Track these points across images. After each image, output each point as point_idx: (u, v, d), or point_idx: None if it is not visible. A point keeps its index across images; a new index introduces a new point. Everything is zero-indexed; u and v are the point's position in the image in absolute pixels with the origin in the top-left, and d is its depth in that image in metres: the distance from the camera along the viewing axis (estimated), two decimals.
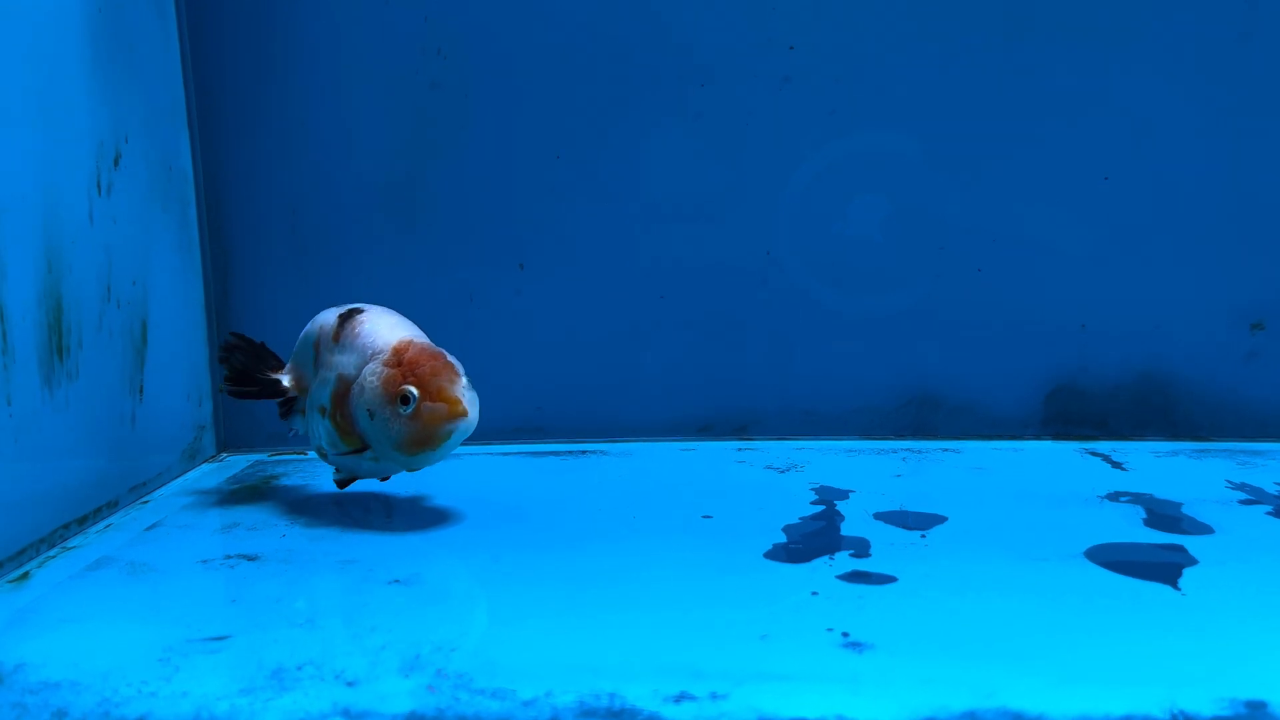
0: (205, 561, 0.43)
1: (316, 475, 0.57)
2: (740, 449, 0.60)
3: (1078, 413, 0.59)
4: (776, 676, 0.32)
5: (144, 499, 0.53)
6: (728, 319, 0.62)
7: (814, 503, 0.49)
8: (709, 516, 0.48)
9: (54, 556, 0.44)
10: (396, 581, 0.41)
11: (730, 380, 0.63)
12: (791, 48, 0.60)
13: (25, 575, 0.42)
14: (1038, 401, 0.60)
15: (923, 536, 0.44)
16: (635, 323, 0.63)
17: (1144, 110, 0.57)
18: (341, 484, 0.50)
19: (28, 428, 0.43)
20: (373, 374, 0.45)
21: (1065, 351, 0.59)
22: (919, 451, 0.58)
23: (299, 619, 0.37)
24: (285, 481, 0.56)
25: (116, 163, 0.51)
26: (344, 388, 0.46)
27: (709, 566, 0.41)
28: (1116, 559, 0.41)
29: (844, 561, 0.41)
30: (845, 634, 0.34)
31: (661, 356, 0.63)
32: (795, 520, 0.47)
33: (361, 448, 0.47)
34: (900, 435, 0.61)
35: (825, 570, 0.40)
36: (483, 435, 0.63)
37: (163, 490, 0.54)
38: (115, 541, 0.46)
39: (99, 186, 0.49)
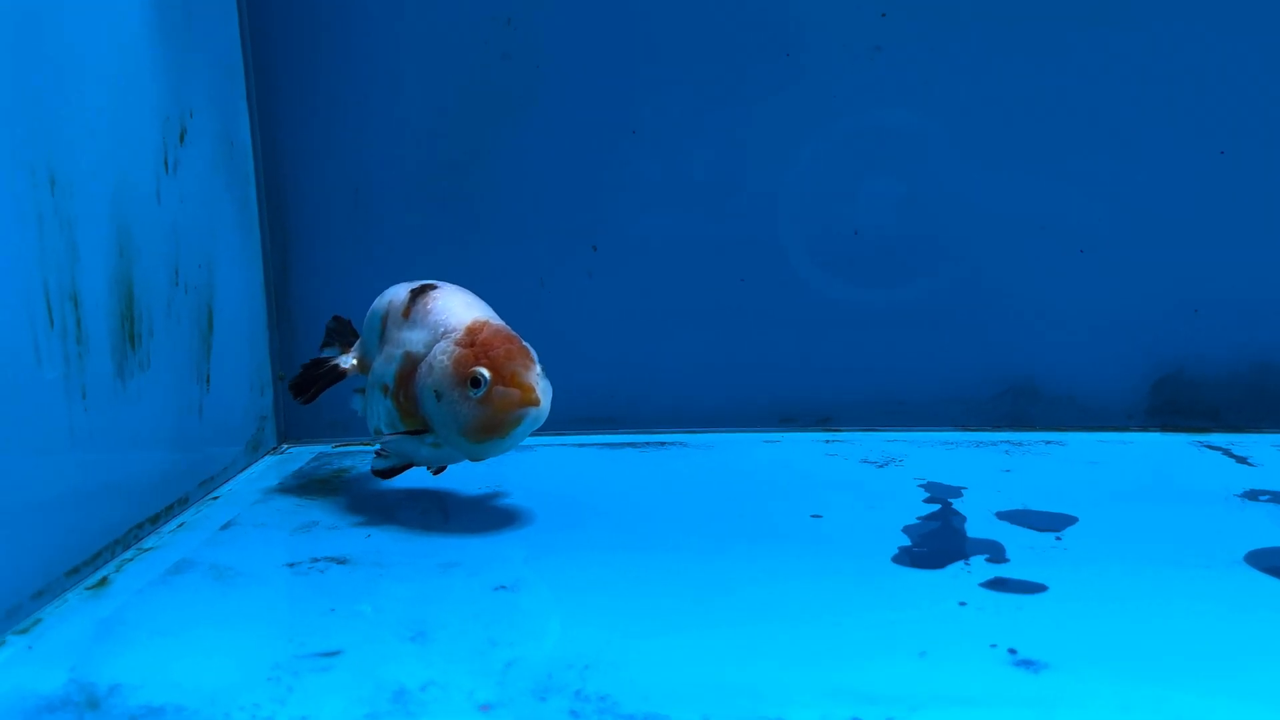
0: (292, 565, 0.41)
1: None
2: (828, 441, 0.57)
3: (1188, 403, 0.56)
4: (953, 700, 0.29)
5: (213, 494, 0.50)
6: (810, 303, 0.59)
7: (926, 500, 0.46)
8: (818, 516, 0.45)
9: (131, 559, 0.41)
10: (503, 588, 0.38)
11: (813, 368, 0.60)
12: (884, 15, 0.56)
13: (103, 581, 0.39)
14: (1143, 391, 0.57)
15: (1058, 539, 0.41)
16: (713, 307, 0.60)
17: (1264, 80, 0.54)
18: (385, 473, 0.47)
19: (102, 422, 0.40)
20: (443, 353, 0.42)
21: (1174, 338, 0.56)
22: (1020, 444, 0.55)
23: (408, 631, 0.34)
24: (355, 475, 0.53)
25: (182, 139, 0.48)
26: (410, 366, 0.44)
27: (837, 572, 0.39)
28: None
29: (981, 567, 0.38)
30: (1012, 650, 0.32)
31: (740, 343, 0.60)
32: (913, 520, 0.44)
33: (422, 430, 0.44)
34: (996, 427, 0.58)
35: (964, 577, 0.38)
36: (552, 424, 0.60)
37: (231, 485, 0.52)
38: (191, 541, 0.44)
39: (166, 164, 0.46)
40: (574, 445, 0.58)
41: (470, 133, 0.59)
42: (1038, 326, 0.58)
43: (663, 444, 0.58)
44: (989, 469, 0.51)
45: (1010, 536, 0.42)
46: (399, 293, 0.47)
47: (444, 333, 0.43)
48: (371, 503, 0.48)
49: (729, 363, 0.60)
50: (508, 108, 0.59)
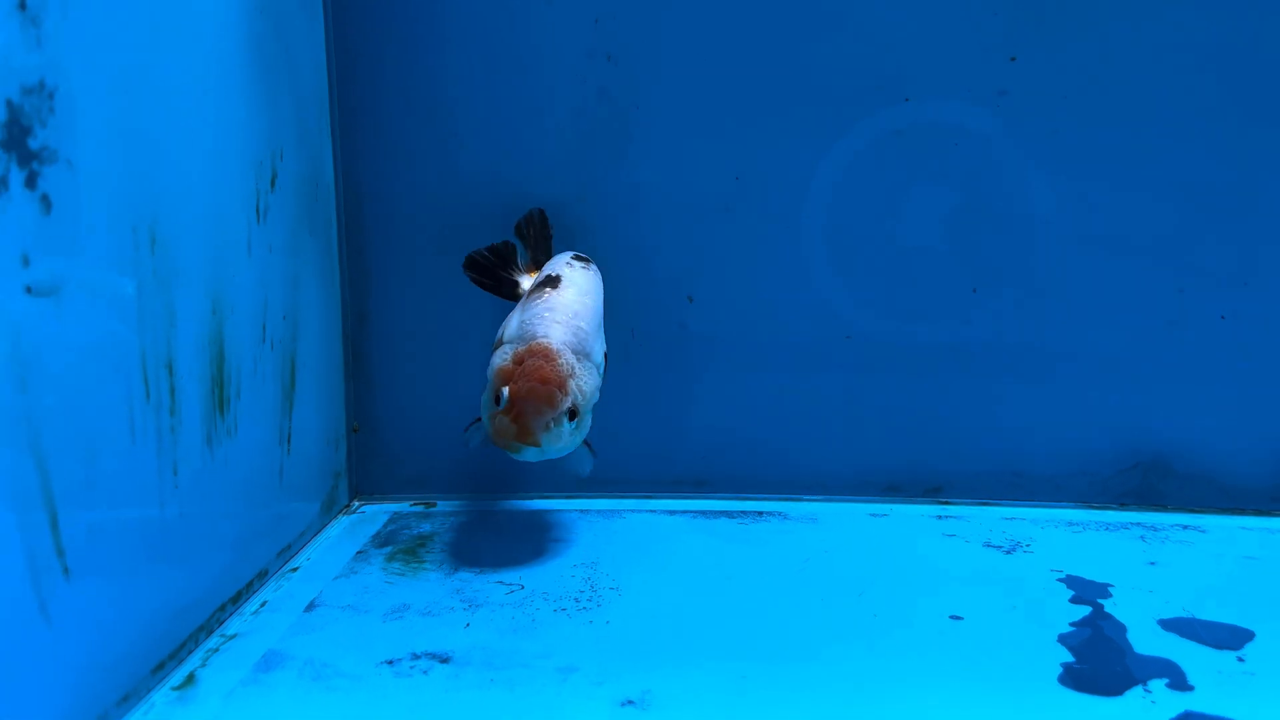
0: (392, 663, 0.37)
1: (470, 532, 0.51)
2: (940, 516, 0.53)
3: None
4: None
5: (291, 565, 0.46)
6: (921, 362, 0.55)
7: (1073, 600, 0.43)
8: (959, 618, 0.41)
9: (216, 650, 0.38)
10: (630, 703, 0.34)
11: (921, 432, 0.56)
12: (1013, 59, 0.53)
13: (190, 679, 0.36)
14: None
15: (1241, 660, 0.37)
16: (814, 364, 0.56)
17: None
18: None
19: (190, 497, 0.37)
20: (503, 356, 0.44)
21: None
22: (1154, 529, 0.51)
23: None
24: (440, 544, 0.49)
25: (273, 184, 0.44)
26: (497, 344, 0.45)
27: (1001, 698, 0.34)
28: None
29: (1165, 696, 0.34)
30: None
31: (843, 404, 0.56)
32: (1066, 627, 0.40)
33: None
34: (1123, 504, 0.54)
35: (1149, 709, 0.34)
36: (641, 484, 0.57)
37: (308, 552, 0.48)
38: (278, 628, 0.40)
39: (258, 212, 0.43)
40: (665, 512, 0.54)
41: (565, 172, 0.55)
42: (1172, 395, 0.53)
43: (760, 514, 0.54)
44: (1130, 560, 0.47)
45: (1183, 654, 0.37)
46: (545, 272, 0.48)
47: (523, 337, 0.44)
48: (464, 580, 0.45)
49: (830, 425, 0.56)
50: (605, 147, 0.55)
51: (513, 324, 0.46)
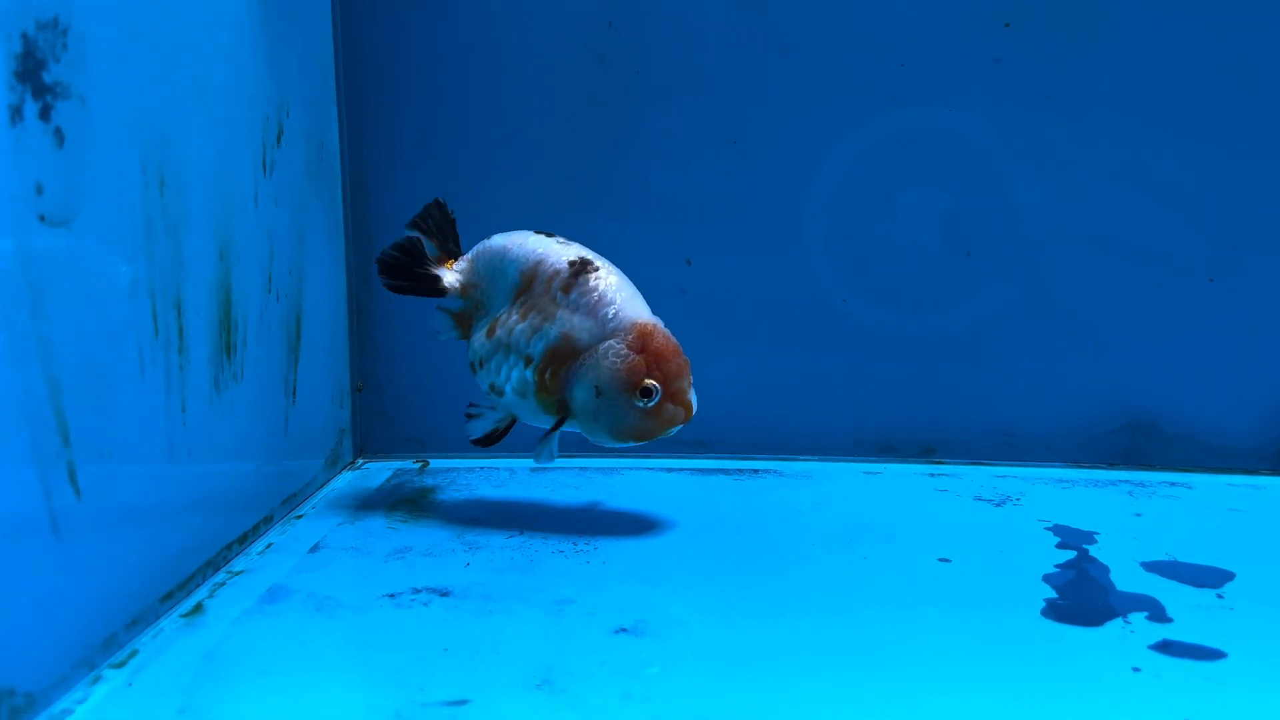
0: (393, 596, 0.38)
1: (473, 488, 0.52)
2: (933, 474, 0.54)
3: None
4: None
5: (297, 513, 0.47)
6: (916, 326, 0.56)
7: (1059, 546, 0.43)
8: (946, 560, 0.42)
9: (223, 584, 0.39)
10: (624, 631, 0.35)
11: (916, 394, 0.57)
12: (1007, 25, 0.54)
13: (198, 608, 0.37)
14: (1275, 432, 0.54)
15: (1220, 596, 0.38)
16: (811, 328, 0.57)
17: None
18: (484, 441, 0.47)
19: (198, 435, 0.38)
20: (616, 355, 0.43)
21: None
22: (1142, 485, 0.52)
23: (533, 678, 0.32)
24: (442, 496, 0.50)
25: (279, 139, 0.45)
26: (567, 349, 0.43)
27: (987, 629, 0.36)
28: None
29: (1144, 627, 0.35)
30: None
31: (839, 365, 0.57)
32: (1051, 569, 0.41)
33: (556, 407, 0.44)
34: (1112, 464, 0.55)
35: (1129, 639, 0.35)
36: (639, 446, 0.58)
37: (312, 502, 0.49)
38: (283, 566, 0.41)
39: (264, 165, 0.44)
40: (662, 470, 0.55)
41: (567, 138, 0.57)
42: (1160, 357, 0.54)
43: (755, 472, 0.55)
44: (1117, 512, 0.48)
45: (1165, 591, 0.38)
46: (551, 257, 0.45)
47: (613, 329, 0.43)
48: (463, 527, 0.46)
49: (825, 387, 0.57)
50: (606, 114, 0.56)
51: (572, 325, 0.43)
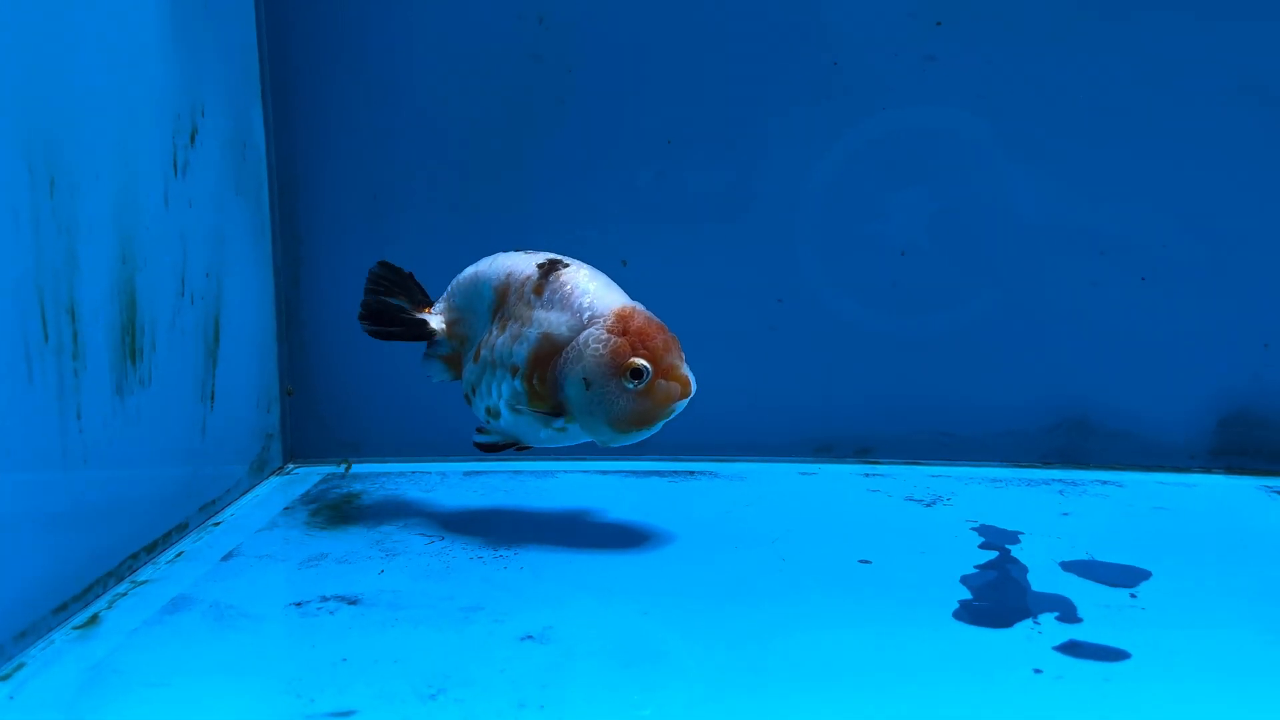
0: (299, 605, 0.37)
1: (400, 491, 0.52)
2: (867, 474, 0.54)
3: (1255, 444, 0.53)
4: None
5: (214, 520, 0.46)
6: (853, 325, 0.56)
7: (982, 546, 0.43)
8: (867, 561, 0.42)
9: (124, 594, 0.38)
10: (530, 638, 0.35)
11: (852, 395, 0.57)
12: (939, 23, 0.53)
13: (94, 619, 0.36)
14: (1208, 429, 0.53)
15: (1133, 596, 0.38)
16: (747, 328, 0.57)
17: None
18: (488, 448, 0.46)
19: (98, 443, 0.37)
20: (597, 341, 0.41)
21: (1242, 372, 0.52)
22: (1074, 484, 0.52)
23: (429, 687, 0.31)
24: (367, 501, 0.50)
25: (193, 139, 0.45)
26: (549, 349, 0.42)
27: (895, 629, 0.35)
28: None
29: (1053, 627, 0.35)
30: None
31: (775, 366, 0.57)
32: (970, 569, 0.40)
33: (552, 412, 0.42)
34: (1047, 463, 0.55)
35: (1036, 639, 0.34)
36: (575, 448, 0.57)
37: (233, 509, 0.48)
38: (191, 575, 0.40)
39: (175, 166, 0.43)
40: (597, 472, 0.55)
41: (497, 137, 0.56)
42: (1094, 356, 0.54)
43: (691, 473, 0.55)
44: (1045, 512, 0.48)
45: (1079, 591, 0.38)
46: (520, 266, 0.44)
47: (590, 318, 0.42)
48: (385, 533, 0.45)
49: (762, 387, 0.57)
50: (537, 112, 0.56)
51: (549, 323, 0.42)
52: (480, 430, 0.46)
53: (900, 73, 0.54)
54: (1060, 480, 0.53)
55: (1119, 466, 0.54)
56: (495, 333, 0.44)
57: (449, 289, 0.47)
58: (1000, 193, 0.54)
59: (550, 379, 0.42)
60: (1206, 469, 0.54)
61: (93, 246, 0.37)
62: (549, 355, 0.42)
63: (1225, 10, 0.52)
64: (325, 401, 0.58)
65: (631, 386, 0.41)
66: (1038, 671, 0.32)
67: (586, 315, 0.42)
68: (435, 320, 0.46)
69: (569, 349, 0.42)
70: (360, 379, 0.58)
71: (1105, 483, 0.52)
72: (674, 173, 0.56)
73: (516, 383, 0.43)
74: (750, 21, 0.55)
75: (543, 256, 0.44)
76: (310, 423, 0.58)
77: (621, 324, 0.41)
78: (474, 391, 0.45)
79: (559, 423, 0.43)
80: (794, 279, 0.57)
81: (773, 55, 0.55)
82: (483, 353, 0.44)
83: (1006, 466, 0.55)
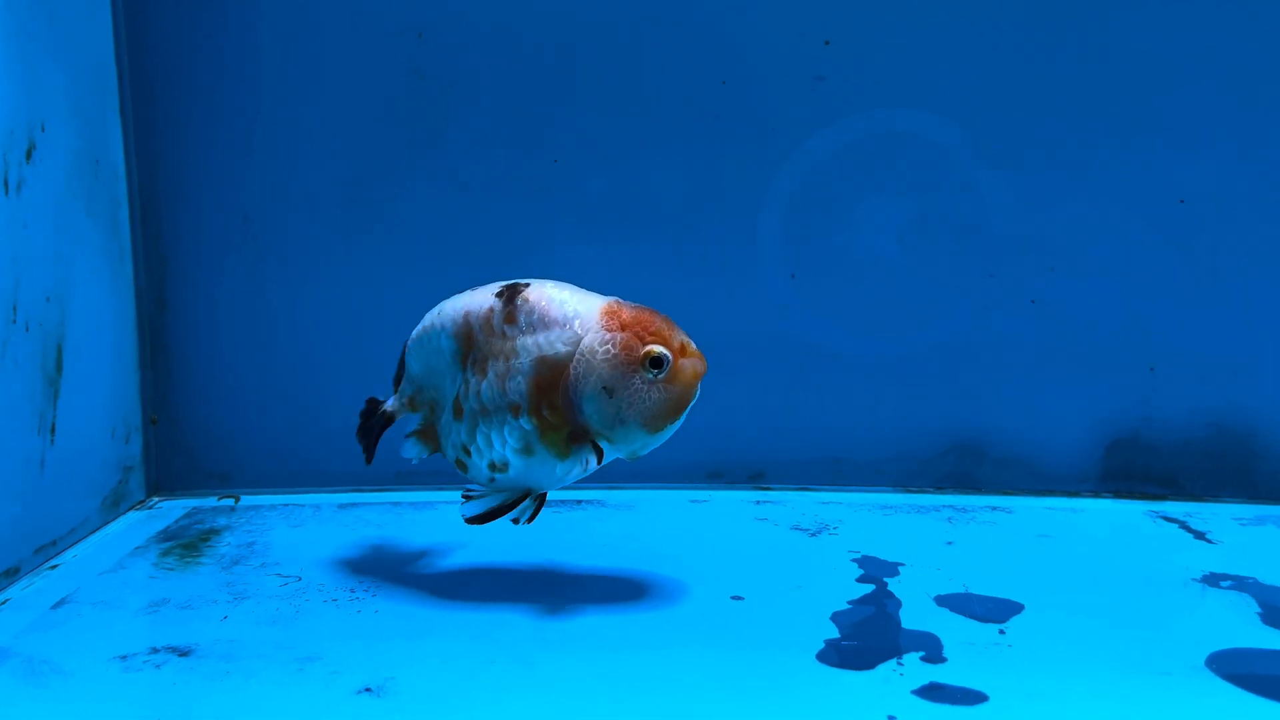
0: (124, 658, 0.35)
1: (267, 525, 0.49)
2: (758, 501, 0.53)
3: (1143, 468, 0.53)
4: None
5: (52, 562, 0.43)
6: (741, 350, 0.54)
7: (860, 579, 0.42)
8: (740, 598, 0.40)
9: None
10: (367, 690, 0.33)
11: (744, 420, 0.55)
12: (827, 43, 0.53)
13: None
14: (1096, 454, 0.53)
15: (1001, 632, 0.37)
16: None
17: (1222, 130, 0.51)
18: (480, 518, 0.40)
19: None
20: (602, 344, 0.38)
21: (1130, 397, 0.52)
22: (964, 510, 0.51)
23: None
24: (227, 538, 0.47)
25: (29, 156, 0.42)
26: (550, 372, 0.38)
27: (754, 673, 0.34)
28: (1245, 671, 0.34)
29: (915, 668, 0.34)
30: None
31: None
32: (843, 605, 0.39)
33: (571, 439, 0.38)
34: (939, 488, 0.54)
35: (896, 681, 0.33)
36: (448, 477, 0.55)
37: (77, 550, 0.45)
38: (12, 627, 0.37)
39: (5, 184, 0.40)
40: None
41: (376, 154, 0.54)
42: (984, 381, 0.54)
43: (578, 503, 0.53)
44: (929, 540, 0.47)
45: (949, 628, 0.37)
46: (476, 302, 0.40)
47: (582, 325, 0.38)
48: (238, 574, 0.42)
49: None
50: (418, 128, 0.54)
51: (539, 346, 0.38)
52: (468, 496, 0.41)
53: (789, 93, 0.53)
54: (950, 506, 0.52)
55: (1010, 491, 0.54)
56: (474, 380, 0.40)
57: (400, 360, 0.43)
58: (892, 218, 0.54)
59: (562, 406, 0.38)
60: (1096, 494, 0.53)
61: None
62: (553, 379, 0.38)
63: (1106, 24, 0.52)
64: (194, 431, 0.55)
65: (653, 377, 0.38)
66: (891, 719, 0.31)
67: (576, 324, 0.38)
68: (392, 402, 0.43)
69: (574, 364, 0.38)
70: (233, 407, 0.55)
71: (995, 509, 0.51)
72: (559, 190, 0.54)
73: (522, 421, 0.39)
74: (636, 37, 0.53)
75: (494, 286, 0.40)
76: (177, 453, 0.55)
77: (615, 321, 0.38)
78: (468, 452, 0.40)
79: (581, 450, 0.39)
80: (685, 302, 0.55)
81: (659, 72, 0.53)
82: (466, 405, 0.40)
83: (899, 492, 0.54)
